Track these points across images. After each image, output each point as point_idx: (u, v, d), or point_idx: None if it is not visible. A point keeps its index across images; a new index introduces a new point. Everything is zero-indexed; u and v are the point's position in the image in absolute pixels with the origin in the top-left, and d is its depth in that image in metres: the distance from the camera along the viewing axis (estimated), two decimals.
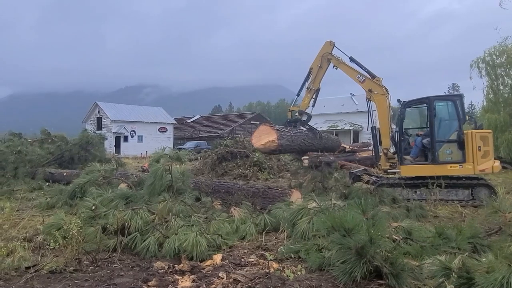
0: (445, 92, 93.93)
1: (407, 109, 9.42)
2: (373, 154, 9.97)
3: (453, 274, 3.27)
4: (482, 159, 8.37)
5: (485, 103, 20.43)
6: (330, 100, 48.26)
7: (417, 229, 4.91)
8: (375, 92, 9.66)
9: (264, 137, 8.60)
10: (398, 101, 9.58)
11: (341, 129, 45.60)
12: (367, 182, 9.34)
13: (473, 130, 8.69)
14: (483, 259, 3.53)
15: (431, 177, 8.49)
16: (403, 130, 9.27)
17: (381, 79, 9.78)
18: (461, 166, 8.44)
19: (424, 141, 9.02)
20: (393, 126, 9.85)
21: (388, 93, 9.68)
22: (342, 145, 17.90)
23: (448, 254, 3.98)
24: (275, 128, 9.08)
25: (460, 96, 8.78)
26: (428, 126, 8.98)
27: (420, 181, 8.71)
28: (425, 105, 9.02)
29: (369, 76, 9.91)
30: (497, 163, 8.64)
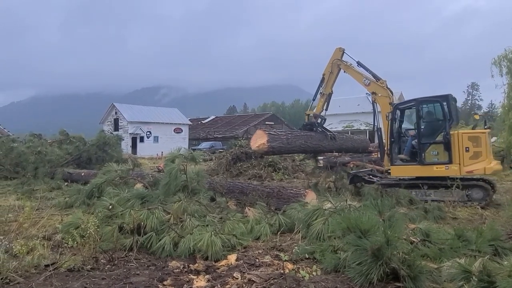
0: (463, 92, 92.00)
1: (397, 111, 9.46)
2: (378, 155, 10.20)
3: (474, 277, 3.19)
4: (471, 160, 8.18)
5: (506, 101, 19.87)
6: (345, 100, 47.81)
7: (435, 231, 4.83)
8: (379, 95, 10.09)
9: (258, 140, 9.38)
10: (390, 104, 9.75)
11: (357, 129, 45.11)
12: (368, 183, 9.41)
13: (460, 131, 8.58)
14: (505, 263, 3.44)
15: (430, 178, 8.49)
16: (393, 132, 9.34)
17: (385, 81, 10.20)
18: (447, 167, 8.36)
19: (413, 142, 9.06)
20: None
21: (392, 95, 10.03)
22: None
23: (468, 257, 3.89)
24: (267, 132, 9.83)
25: (447, 97, 8.66)
26: (415, 127, 9.05)
27: (419, 181, 8.70)
28: (414, 107, 9.08)
29: (374, 79, 10.33)
30: (493, 164, 8.29)
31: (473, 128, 9.31)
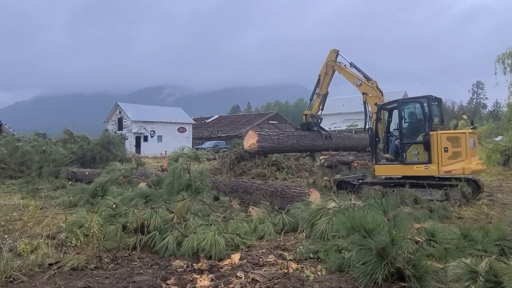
0: (468, 90, 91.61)
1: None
2: (370, 155, 10.35)
3: (480, 277, 3.15)
4: (450, 160, 8.24)
5: (511, 99, 19.72)
6: (349, 99, 47.64)
7: (440, 230, 4.78)
8: (370, 95, 10.36)
9: (250, 140, 9.73)
10: (376, 104, 9.90)
11: (361, 128, 44.93)
12: (353, 186, 9.49)
13: (440, 131, 8.62)
14: None
15: (413, 177, 8.59)
16: (378, 131, 9.48)
17: (375, 82, 10.47)
18: (426, 167, 8.50)
19: (396, 142, 9.18)
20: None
21: (382, 96, 10.26)
22: None
23: (474, 256, 3.85)
24: (258, 132, 10.16)
25: (427, 98, 8.75)
26: (398, 128, 9.19)
27: (403, 181, 8.81)
28: (396, 107, 9.24)
29: (365, 80, 10.58)
30: (473, 164, 8.22)
31: (454, 129, 9.42)
